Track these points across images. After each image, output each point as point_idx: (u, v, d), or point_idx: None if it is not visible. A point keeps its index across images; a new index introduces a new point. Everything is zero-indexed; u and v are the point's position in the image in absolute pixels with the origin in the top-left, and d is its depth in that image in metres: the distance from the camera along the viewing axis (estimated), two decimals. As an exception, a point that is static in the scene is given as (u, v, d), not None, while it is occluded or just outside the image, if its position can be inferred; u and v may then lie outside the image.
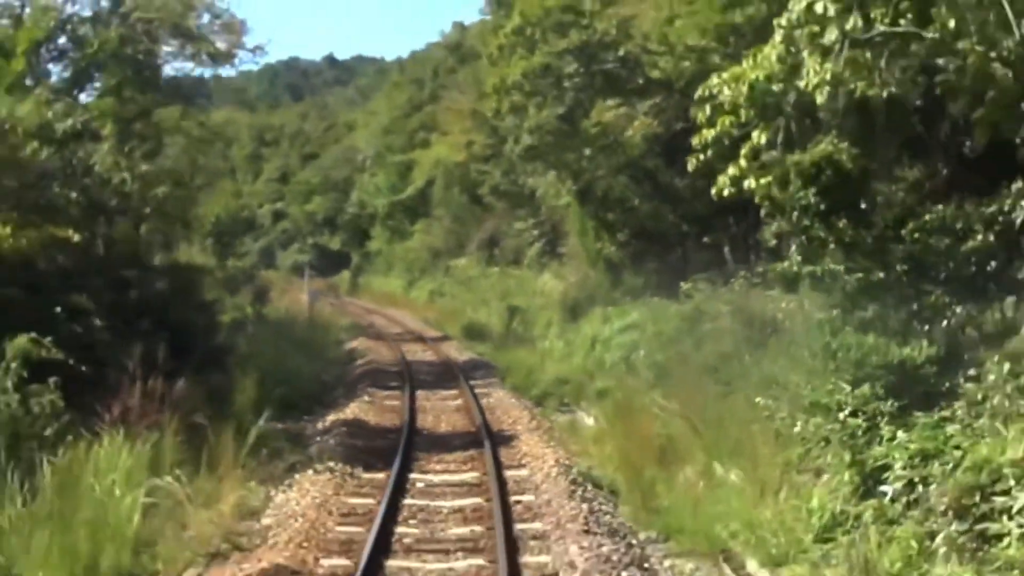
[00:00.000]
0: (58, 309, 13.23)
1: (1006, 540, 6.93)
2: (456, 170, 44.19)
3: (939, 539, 7.65)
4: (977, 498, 7.30)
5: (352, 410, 17.07)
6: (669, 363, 16.42)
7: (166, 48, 22.16)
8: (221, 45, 22.74)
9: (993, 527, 7.07)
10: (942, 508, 7.68)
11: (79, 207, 15.34)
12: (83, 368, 12.15)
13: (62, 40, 20.74)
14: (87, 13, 20.51)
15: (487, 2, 35.04)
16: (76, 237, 14.20)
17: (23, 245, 13.40)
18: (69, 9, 20.93)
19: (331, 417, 16.58)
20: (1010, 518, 6.87)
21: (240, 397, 14.30)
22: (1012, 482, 7.01)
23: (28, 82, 19.61)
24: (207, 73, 28.99)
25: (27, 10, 20.27)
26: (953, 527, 7.51)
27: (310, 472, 12.31)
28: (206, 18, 22.19)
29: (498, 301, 35.32)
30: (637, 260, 24.36)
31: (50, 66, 20.95)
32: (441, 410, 17.50)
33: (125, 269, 16.91)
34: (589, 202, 25.03)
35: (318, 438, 14.66)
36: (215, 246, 42.21)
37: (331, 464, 12.59)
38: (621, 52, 20.75)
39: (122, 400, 11.55)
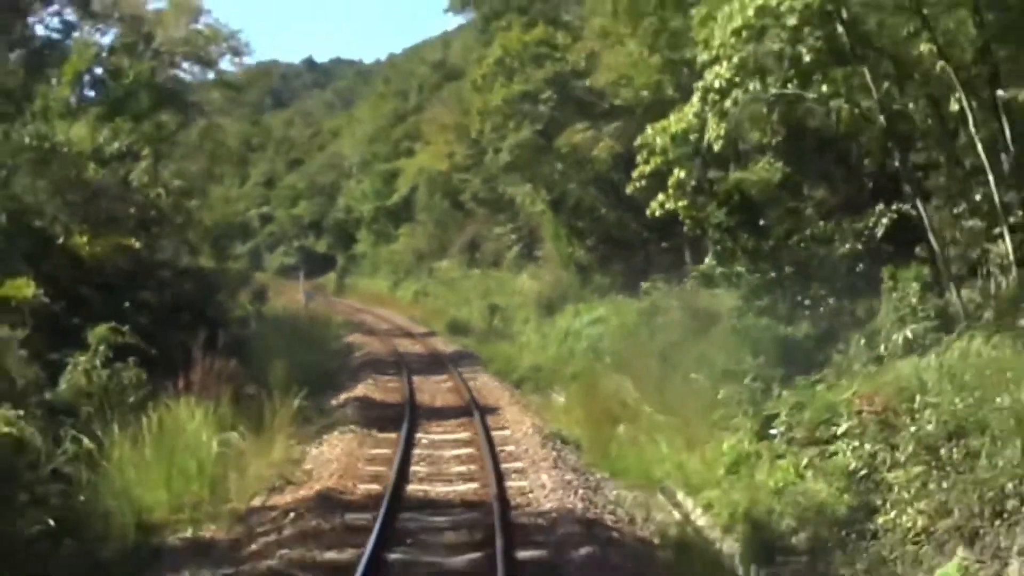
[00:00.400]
0: (127, 304, 16.28)
1: (840, 454, 10.15)
2: (439, 178, 47.16)
3: (804, 461, 10.88)
4: (822, 430, 10.56)
5: (360, 390, 20.23)
6: (628, 350, 19.68)
7: (183, 73, 25.27)
8: (230, 66, 25.94)
9: (830, 448, 10.31)
10: (803, 439, 10.95)
11: (133, 219, 18.40)
12: (152, 351, 15.25)
13: (99, 70, 23.79)
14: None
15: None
16: (138, 244, 17.27)
17: (97, 252, 16.45)
18: (104, 41, 24.02)
19: (343, 396, 19.73)
20: (839, 439, 10.11)
21: (272, 377, 17.40)
22: (843, 414, 10.25)
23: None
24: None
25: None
26: (810, 451, 10.76)
27: (335, 433, 15.45)
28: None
29: (479, 300, 38.38)
30: (604, 262, 27.59)
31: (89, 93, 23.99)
32: (435, 390, 20.68)
33: (161, 271, 19.98)
34: (561, 211, 28.26)
35: (336, 410, 17.79)
36: (212, 250, 45.03)
37: (352, 427, 15.75)
38: (588, 82, 23.96)
39: (187, 375, 14.68)
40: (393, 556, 9.23)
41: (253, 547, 10.00)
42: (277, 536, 10.22)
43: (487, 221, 45.14)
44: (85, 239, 16.37)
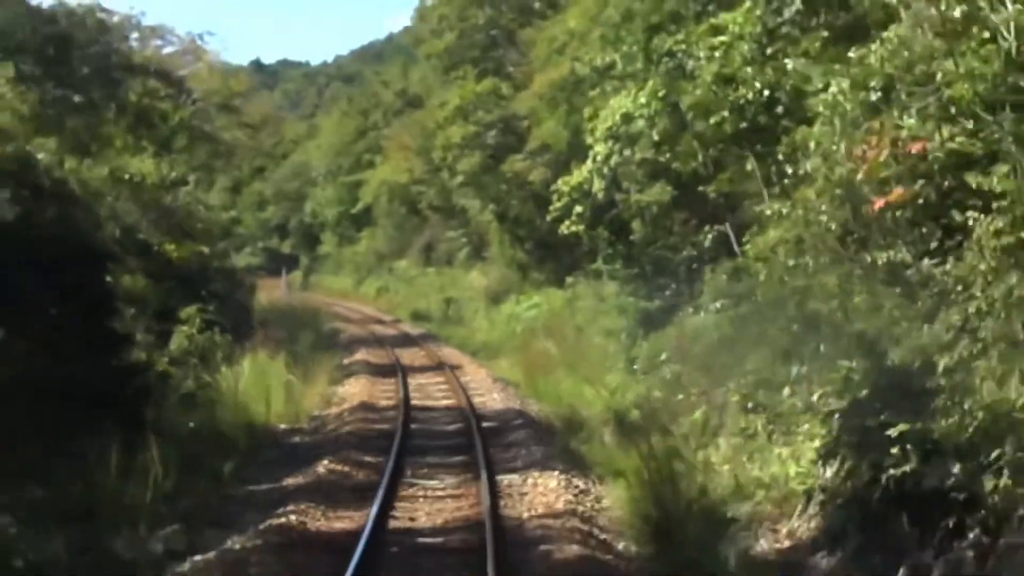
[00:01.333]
0: (203, 292, 23.58)
1: (664, 373, 17.87)
2: (398, 189, 54.53)
3: (648, 381, 18.58)
4: (656, 362, 18.29)
5: (358, 357, 27.71)
6: (554, 325, 27.35)
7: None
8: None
9: (661, 371, 18.06)
10: (646, 368, 18.65)
11: (198, 230, 25.69)
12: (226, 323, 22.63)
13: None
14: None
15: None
16: (207, 250, 24.60)
17: (182, 255, 23.70)
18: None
19: (346, 360, 27.19)
20: (663, 364, 17.85)
21: (302, 344, 24.88)
22: (668, 351, 17.97)
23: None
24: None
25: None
26: (650, 376, 18.49)
27: (351, 379, 22.96)
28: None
29: (436, 294, 45.88)
30: (539, 262, 35.14)
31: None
32: (413, 356, 28.23)
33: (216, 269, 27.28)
34: (505, 221, 35.80)
35: (345, 368, 25.29)
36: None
37: (361, 376, 23.28)
38: (526, 123, 31.59)
39: (251, 339, 22.13)
40: (413, 427, 16.80)
41: (327, 429, 17.49)
42: (339, 423, 17.72)
43: (441, 226, 52.55)
44: (173, 246, 23.59)
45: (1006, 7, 8.12)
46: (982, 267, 7.99)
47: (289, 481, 12.94)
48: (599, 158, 18.96)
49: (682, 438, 13.52)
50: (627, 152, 19.33)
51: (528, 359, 24.53)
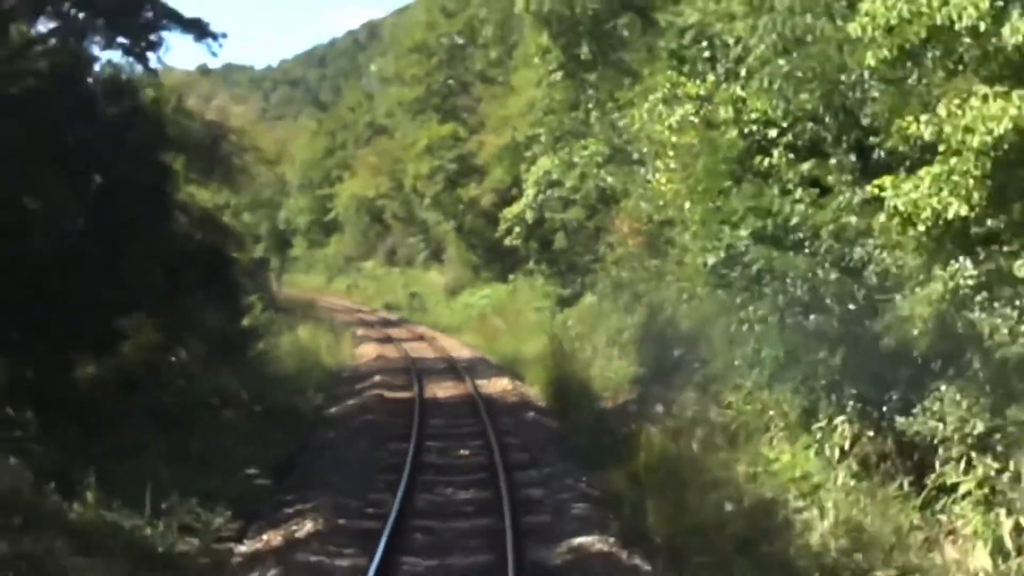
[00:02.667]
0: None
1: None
2: (365, 201, 65.32)
3: (556, 330, 30.00)
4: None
5: (360, 333, 38.68)
6: (500, 309, 38.66)
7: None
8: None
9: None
10: (556, 328, 30.03)
11: (243, 240, 36.51)
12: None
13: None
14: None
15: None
16: (254, 255, 35.48)
17: (242, 259, 34.52)
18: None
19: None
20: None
21: (323, 324, 35.86)
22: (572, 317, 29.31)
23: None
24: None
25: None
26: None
27: (363, 344, 34.02)
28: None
29: (401, 289, 56.76)
30: (487, 264, 46.35)
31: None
32: (399, 332, 39.25)
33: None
34: (461, 232, 46.94)
35: (356, 338, 36.31)
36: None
37: (370, 343, 34.36)
38: (479, 160, 42.74)
39: (293, 318, 33.19)
40: (419, 366, 27.92)
41: (366, 367, 28.50)
42: (371, 365, 28.74)
43: (402, 233, 63.58)
44: (237, 253, 34.42)
45: None
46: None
47: (360, 385, 24.05)
48: (530, 196, 30.24)
49: (577, 364, 24.77)
50: (549, 191, 30.59)
51: (483, 331, 35.79)
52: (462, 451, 15.81)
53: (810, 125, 11.13)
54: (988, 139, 8.30)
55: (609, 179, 22.17)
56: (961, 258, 8.74)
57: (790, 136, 11.29)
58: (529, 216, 30.51)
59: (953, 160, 8.59)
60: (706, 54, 15.31)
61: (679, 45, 15.99)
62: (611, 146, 22.49)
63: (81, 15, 15.38)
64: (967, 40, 8.63)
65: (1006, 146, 8.37)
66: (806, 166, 11.41)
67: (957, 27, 8.48)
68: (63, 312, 14.25)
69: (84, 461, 11.61)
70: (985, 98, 8.55)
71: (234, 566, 10.64)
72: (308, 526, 11.41)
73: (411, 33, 47.85)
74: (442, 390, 23.10)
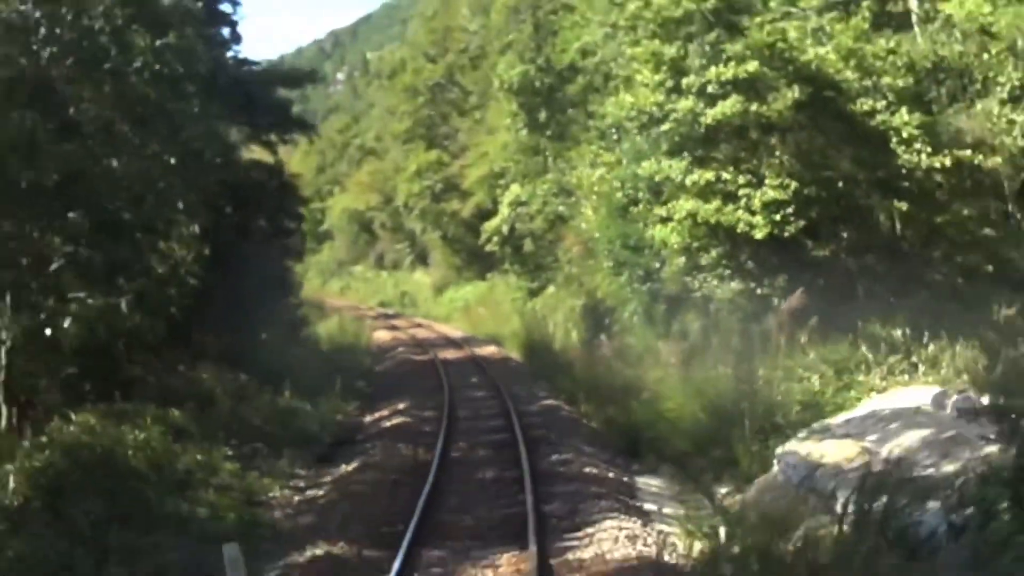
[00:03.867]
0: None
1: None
2: (356, 214, 75.85)
3: (526, 316, 40.88)
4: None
5: (368, 322, 49.33)
6: (479, 301, 49.43)
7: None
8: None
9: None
10: (526, 314, 40.89)
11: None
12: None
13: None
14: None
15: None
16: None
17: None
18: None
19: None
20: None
21: (343, 316, 46.45)
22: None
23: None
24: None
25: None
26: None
27: (379, 331, 44.68)
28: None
29: (392, 289, 67.44)
30: (468, 265, 57.09)
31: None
32: (400, 323, 49.90)
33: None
34: (446, 239, 57.68)
35: (369, 327, 46.99)
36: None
37: (383, 330, 45.03)
38: (463, 184, 53.39)
39: (324, 311, 43.84)
40: (427, 343, 38.60)
41: (390, 345, 39.16)
42: (392, 344, 39.42)
43: (389, 240, 74.24)
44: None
45: None
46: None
47: (390, 354, 34.73)
48: (505, 214, 40.98)
49: (543, 334, 35.50)
50: (520, 209, 41.39)
51: (469, 318, 46.56)
52: (473, 379, 26.57)
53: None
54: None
55: (560, 208, 32.95)
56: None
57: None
58: (504, 228, 41.25)
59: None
60: (615, 137, 26.07)
61: (601, 130, 26.77)
62: (559, 185, 33.29)
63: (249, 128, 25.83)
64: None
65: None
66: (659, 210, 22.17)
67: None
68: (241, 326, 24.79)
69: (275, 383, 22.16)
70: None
71: (365, 423, 21.29)
72: (400, 407, 22.11)
73: (400, 79, 58.53)
74: (449, 354, 33.84)
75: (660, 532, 10.90)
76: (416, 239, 68.43)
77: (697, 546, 10.03)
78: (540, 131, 35.19)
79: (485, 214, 47.28)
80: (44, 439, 13.37)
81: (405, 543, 10.53)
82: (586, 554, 10.20)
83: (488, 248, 43.81)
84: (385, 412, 21.91)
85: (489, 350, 34.44)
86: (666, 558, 9.95)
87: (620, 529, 10.81)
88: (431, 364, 30.39)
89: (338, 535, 11.34)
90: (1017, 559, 7.96)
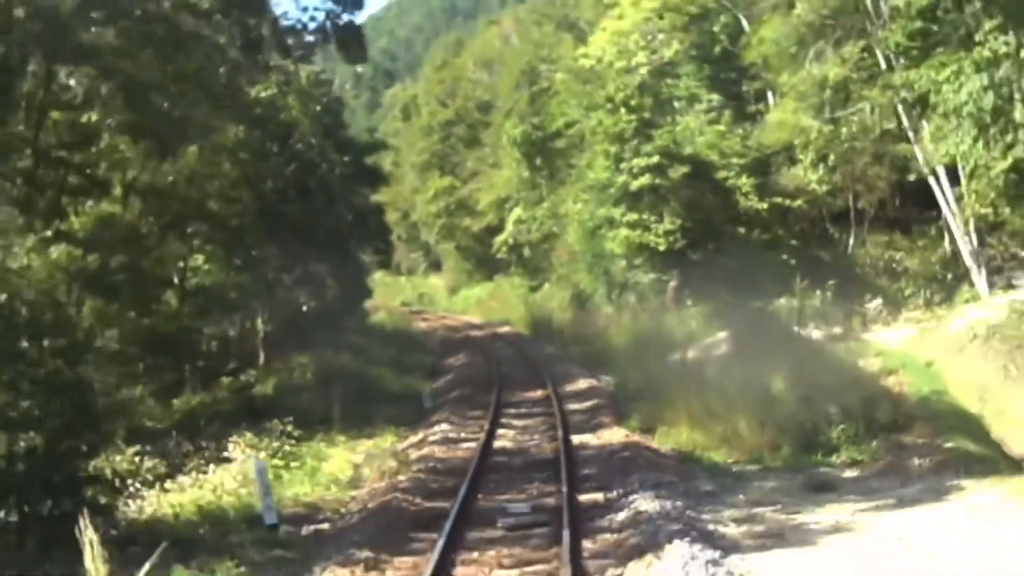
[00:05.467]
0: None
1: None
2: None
3: (530, 306, 56.06)
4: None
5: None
6: (490, 299, 64.52)
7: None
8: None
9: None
10: (530, 305, 56.03)
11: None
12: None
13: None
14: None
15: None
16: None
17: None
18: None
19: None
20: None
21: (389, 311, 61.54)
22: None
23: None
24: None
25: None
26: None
27: (415, 321, 59.79)
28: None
29: (411, 291, 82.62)
30: (478, 269, 72.13)
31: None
32: (429, 316, 64.96)
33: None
34: (459, 249, 72.73)
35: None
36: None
37: (418, 320, 60.14)
38: (480, 207, 68.31)
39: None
40: (458, 327, 53.67)
41: (434, 331, 54.25)
42: (430, 329, 54.52)
43: (406, 249, 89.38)
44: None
45: None
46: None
47: (434, 335, 49.87)
48: (510, 231, 56.04)
49: (543, 317, 50.56)
50: (522, 226, 56.59)
51: (483, 310, 61.73)
52: (497, 344, 41.63)
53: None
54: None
55: (552, 227, 48.02)
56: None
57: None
58: (510, 240, 56.27)
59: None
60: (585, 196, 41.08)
61: (584, 179, 41.82)
62: (552, 211, 48.32)
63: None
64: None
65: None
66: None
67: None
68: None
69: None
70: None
71: (445, 365, 36.36)
72: (459, 358, 37.16)
73: (417, 120, 73.66)
74: (475, 333, 48.94)
75: (600, 380, 26.08)
76: (431, 249, 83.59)
77: (613, 382, 25.20)
78: (537, 172, 50.20)
79: (492, 230, 62.39)
80: (307, 360, 28.46)
81: (495, 389, 25.63)
82: (571, 388, 25.33)
83: (499, 256, 58.75)
84: (452, 361, 37.02)
85: (504, 329, 49.54)
86: (601, 386, 25.12)
87: (585, 380, 25.99)
88: (466, 338, 45.48)
89: (460, 390, 26.45)
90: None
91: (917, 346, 26.15)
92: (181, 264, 28.48)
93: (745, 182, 32.91)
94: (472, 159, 70.15)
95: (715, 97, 36.07)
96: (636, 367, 25.92)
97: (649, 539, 11.06)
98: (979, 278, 29.31)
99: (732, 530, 12.11)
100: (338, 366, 28.85)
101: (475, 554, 11.47)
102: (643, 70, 36.56)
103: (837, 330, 31.22)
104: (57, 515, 13.65)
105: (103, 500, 13.84)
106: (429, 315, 65.52)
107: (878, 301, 33.40)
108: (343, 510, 14.71)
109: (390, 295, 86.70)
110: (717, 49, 37.08)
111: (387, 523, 13.10)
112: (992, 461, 15.66)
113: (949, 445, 16.20)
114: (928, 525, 12.05)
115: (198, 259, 29.43)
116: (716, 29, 37.07)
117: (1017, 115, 16.88)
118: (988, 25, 17.15)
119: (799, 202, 33.53)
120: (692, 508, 12.90)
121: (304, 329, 33.33)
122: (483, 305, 63.08)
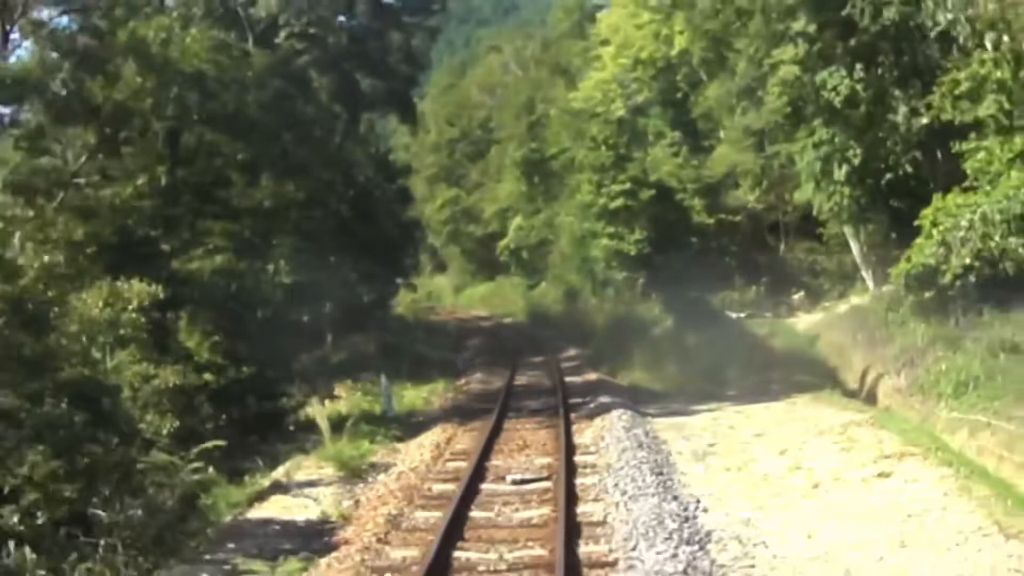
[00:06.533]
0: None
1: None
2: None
3: (528, 302, 66.63)
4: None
5: (418, 311, 75.02)
6: (492, 296, 75.14)
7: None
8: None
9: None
10: (529, 300, 66.61)
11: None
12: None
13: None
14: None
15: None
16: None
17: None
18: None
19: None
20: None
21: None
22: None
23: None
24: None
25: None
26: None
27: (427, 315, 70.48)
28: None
29: (419, 289, 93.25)
30: (480, 270, 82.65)
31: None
32: (439, 311, 75.54)
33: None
34: (464, 252, 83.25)
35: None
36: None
37: (432, 314, 70.86)
38: (485, 215, 78.80)
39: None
40: (473, 317, 64.28)
41: (445, 319, 64.86)
42: (447, 318, 65.15)
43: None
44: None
45: None
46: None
47: (448, 326, 60.45)
48: (511, 236, 66.60)
49: (539, 310, 61.19)
50: (521, 232, 67.24)
51: (487, 305, 72.38)
52: (504, 330, 52.21)
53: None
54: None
55: (548, 235, 58.56)
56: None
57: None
58: (511, 245, 66.78)
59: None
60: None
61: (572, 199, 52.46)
62: (548, 221, 58.84)
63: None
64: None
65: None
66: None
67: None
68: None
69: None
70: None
71: (468, 345, 46.97)
72: (475, 340, 47.76)
73: (426, 137, 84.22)
74: (484, 323, 59.52)
75: (584, 349, 36.75)
76: (437, 251, 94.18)
77: (594, 350, 35.83)
78: (534, 188, 60.73)
79: (494, 235, 72.93)
80: (363, 338, 39.13)
81: (510, 354, 36.19)
82: (563, 354, 36.00)
83: (501, 258, 69.20)
84: (470, 342, 47.62)
85: (507, 319, 60.09)
86: (584, 352, 35.77)
87: (574, 350, 36.66)
88: (478, 326, 56.09)
89: (482, 358, 37.05)
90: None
91: (816, 323, 36.72)
92: (271, 267, 39.01)
93: (698, 203, 43.46)
94: (476, 172, 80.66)
95: (676, 134, 46.62)
96: (610, 340, 36.47)
97: (604, 410, 21.68)
98: (867, 275, 39.84)
99: (650, 410, 22.71)
100: (388, 343, 39.31)
101: (512, 423, 21.95)
102: (620, 112, 47.15)
103: (768, 315, 41.81)
104: (265, 412, 24.13)
105: (292, 403, 24.37)
106: (439, 310, 75.97)
107: (801, 294, 43.98)
108: (429, 412, 25.27)
109: (402, 293, 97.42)
110: (679, 95, 47.63)
111: (459, 414, 23.66)
112: (819, 387, 26.16)
113: (796, 378, 26.76)
114: (758, 409, 22.62)
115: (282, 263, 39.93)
116: (679, 78, 47.60)
117: (836, 175, 27.43)
118: (816, 122, 27.70)
119: (740, 217, 44.10)
120: (631, 406, 23.42)
121: (358, 315, 43.83)
122: (487, 301, 73.60)
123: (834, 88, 26.55)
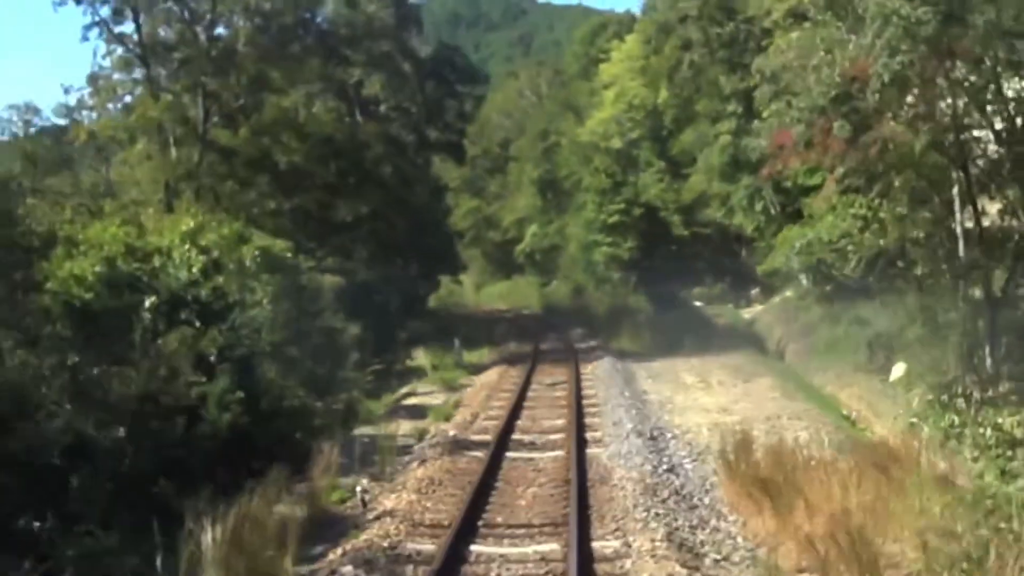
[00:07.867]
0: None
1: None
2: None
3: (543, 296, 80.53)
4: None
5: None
6: (510, 292, 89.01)
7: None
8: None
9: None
10: (543, 295, 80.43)
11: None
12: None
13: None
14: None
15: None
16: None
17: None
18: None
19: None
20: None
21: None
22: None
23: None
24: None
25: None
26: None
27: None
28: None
29: (443, 287, 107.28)
30: (499, 270, 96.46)
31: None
32: (459, 303, 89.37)
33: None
34: (484, 255, 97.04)
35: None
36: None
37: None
38: (504, 223, 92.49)
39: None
40: (492, 308, 78.31)
41: (474, 310, 78.74)
42: (476, 314, 79.02)
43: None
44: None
45: None
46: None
47: (476, 314, 74.42)
48: (528, 241, 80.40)
49: (552, 303, 74.98)
50: (536, 238, 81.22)
51: (506, 300, 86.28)
52: (524, 321, 66.10)
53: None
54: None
55: (559, 242, 72.28)
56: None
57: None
58: (527, 249, 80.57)
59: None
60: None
61: (579, 214, 66.31)
62: (559, 230, 72.58)
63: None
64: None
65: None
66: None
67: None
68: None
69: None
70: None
71: (499, 331, 60.92)
72: (503, 327, 61.71)
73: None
74: (508, 314, 73.27)
75: (588, 329, 50.74)
76: (459, 253, 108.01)
77: (595, 330, 49.91)
78: (548, 202, 74.53)
79: (512, 240, 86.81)
80: (420, 322, 53.07)
81: (533, 334, 50.12)
82: (573, 333, 49.89)
83: (518, 260, 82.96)
84: (498, 328, 61.43)
85: (525, 311, 73.99)
86: (588, 332, 49.76)
87: (580, 330, 50.61)
88: (502, 316, 69.92)
89: (511, 336, 50.97)
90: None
91: (759, 311, 50.56)
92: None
93: (677, 219, 57.29)
94: (495, 185, 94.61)
95: (661, 164, 60.45)
96: (607, 322, 50.32)
97: (599, 359, 35.70)
98: (803, 276, 53.62)
99: (628, 361, 36.62)
100: (439, 325, 53.03)
101: (541, 366, 35.77)
102: (617, 145, 61.09)
103: (729, 305, 55.62)
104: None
105: (391, 359, 38.29)
106: (463, 304, 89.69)
107: (757, 290, 57.82)
108: (485, 364, 39.11)
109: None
110: (664, 132, 61.46)
111: (506, 363, 37.52)
112: (744, 349, 39.85)
113: (730, 343, 40.58)
114: (695, 359, 36.43)
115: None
116: (664, 121, 61.44)
117: (756, 207, 41.46)
118: (744, 172, 41.74)
119: (710, 230, 57.92)
120: (616, 357, 37.16)
121: (415, 304, 57.78)
122: (505, 297, 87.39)
123: (754, 148, 40.44)
